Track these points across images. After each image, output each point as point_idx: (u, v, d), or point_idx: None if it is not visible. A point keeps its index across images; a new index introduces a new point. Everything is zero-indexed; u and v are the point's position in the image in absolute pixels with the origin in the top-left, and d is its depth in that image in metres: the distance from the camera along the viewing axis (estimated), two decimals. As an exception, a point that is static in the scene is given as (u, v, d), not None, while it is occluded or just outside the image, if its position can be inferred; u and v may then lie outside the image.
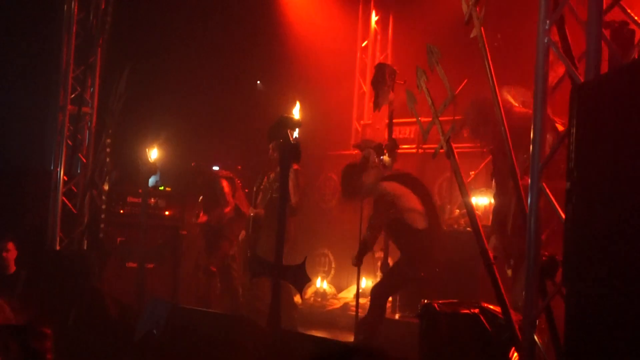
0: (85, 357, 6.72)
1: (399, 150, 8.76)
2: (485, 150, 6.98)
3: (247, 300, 9.18)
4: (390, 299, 8.88)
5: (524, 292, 4.47)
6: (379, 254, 9.07)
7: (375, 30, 12.22)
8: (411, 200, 7.49)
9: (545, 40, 4.36)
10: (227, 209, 9.26)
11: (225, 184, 9.35)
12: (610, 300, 3.38)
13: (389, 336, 7.38)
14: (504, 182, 5.82)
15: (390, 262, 8.86)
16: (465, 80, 8.91)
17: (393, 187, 7.49)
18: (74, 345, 7.05)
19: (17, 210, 9.84)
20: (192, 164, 9.81)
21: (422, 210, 7.45)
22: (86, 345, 7.03)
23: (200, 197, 9.59)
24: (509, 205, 5.89)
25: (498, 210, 6.21)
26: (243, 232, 9.31)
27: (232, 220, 9.33)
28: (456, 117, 8.82)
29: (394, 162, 8.61)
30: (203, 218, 9.37)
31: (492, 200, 7.27)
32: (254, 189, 9.10)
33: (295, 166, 8.03)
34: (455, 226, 8.39)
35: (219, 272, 9.37)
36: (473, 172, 9.15)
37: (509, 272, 5.71)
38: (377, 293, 7.43)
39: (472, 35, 4.71)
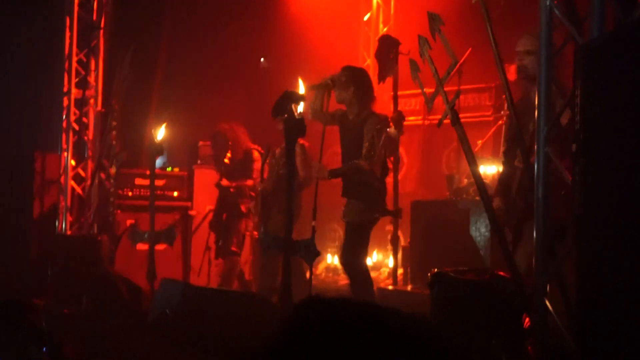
0: (99, 339, 6.74)
1: (405, 122, 8.73)
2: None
3: (260, 277, 9.19)
4: (401, 270, 8.89)
5: (527, 256, 4.46)
6: (389, 227, 9.06)
7: (378, 3, 12.16)
8: None
9: (548, 3, 4.32)
10: (250, 183, 9.18)
11: (258, 158, 9.27)
12: (621, 262, 3.36)
13: (402, 308, 7.32)
14: (513, 148, 5.78)
15: (401, 235, 8.85)
16: (470, 49, 8.87)
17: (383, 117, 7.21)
18: (88, 329, 7.09)
19: (26, 195, 9.87)
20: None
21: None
22: (100, 328, 7.06)
23: (228, 157, 9.39)
24: (515, 172, 5.85)
25: (506, 176, 6.18)
26: (252, 204, 9.27)
27: (246, 197, 9.26)
28: (461, 87, 8.81)
29: (401, 134, 8.59)
30: (225, 182, 9.28)
31: (500, 169, 7.24)
32: (261, 165, 9.06)
33: (302, 141, 7.97)
34: (464, 195, 8.37)
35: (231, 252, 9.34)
36: (480, 141, 9.13)
37: (510, 236, 5.66)
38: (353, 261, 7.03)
39: (474, 1, 4.67)
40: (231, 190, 9.23)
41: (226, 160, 9.28)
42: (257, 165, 9.17)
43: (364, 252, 7.04)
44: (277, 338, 1.62)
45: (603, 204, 3.49)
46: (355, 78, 7.05)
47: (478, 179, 4.89)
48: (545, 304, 4.38)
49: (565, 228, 4.46)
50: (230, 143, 9.31)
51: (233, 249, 9.17)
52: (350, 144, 7.03)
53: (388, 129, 7.24)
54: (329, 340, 1.56)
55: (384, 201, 7.09)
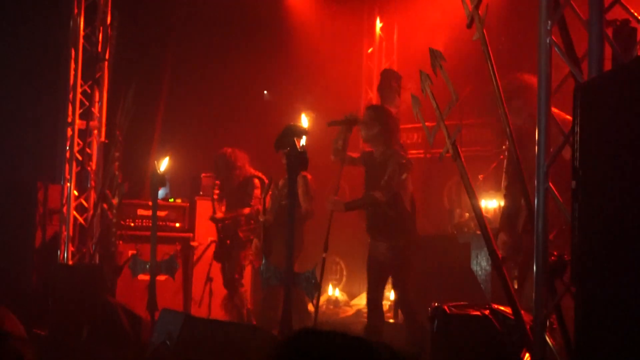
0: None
1: (407, 156, 8.77)
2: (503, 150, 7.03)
3: (261, 310, 9.18)
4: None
5: (533, 293, 4.48)
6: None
7: (381, 37, 12.25)
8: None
9: (547, 41, 4.38)
10: (247, 211, 9.18)
11: (258, 185, 9.27)
12: (619, 298, 3.38)
13: (394, 339, 7.36)
14: (515, 183, 5.84)
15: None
16: (468, 89, 8.93)
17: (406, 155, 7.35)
18: (89, 359, 7.08)
19: (29, 225, 9.89)
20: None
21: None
22: (100, 358, 7.05)
23: (216, 187, 9.38)
24: (519, 205, 5.90)
25: (508, 210, 6.23)
26: (255, 242, 9.28)
27: (248, 226, 9.25)
28: (463, 122, 8.87)
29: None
30: (220, 214, 9.28)
31: (502, 203, 7.28)
32: (263, 195, 9.08)
33: (304, 173, 8.02)
34: (466, 229, 8.40)
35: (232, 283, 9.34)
36: (481, 176, 9.15)
37: (515, 272, 5.71)
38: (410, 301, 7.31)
39: (474, 38, 4.72)
40: (226, 222, 9.24)
41: (215, 196, 9.27)
42: (257, 192, 9.18)
43: None
44: None
45: (602, 241, 3.51)
46: (380, 117, 7.20)
47: (479, 213, 4.93)
48: (545, 339, 4.39)
49: (566, 263, 4.49)
50: (231, 164, 9.32)
51: (236, 277, 9.17)
52: (374, 180, 7.16)
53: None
54: None
55: (416, 236, 7.28)
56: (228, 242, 9.26)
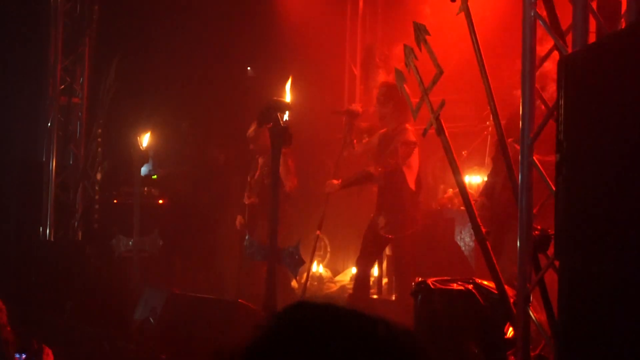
0: (82, 347, 6.72)
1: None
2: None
3: (244, 285, 9.17)
4: (386, 280, 8.92)
5: (510, 265, 4.50)
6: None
7: (364, 11, 12.16)
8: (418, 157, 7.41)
9: (532, 14, 4.35)
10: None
11: (222, 160, 9.27)
12: (603, 272, 3.38)
13: (386, 316, 7.38)
14: (498, 160, 5.85)
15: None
16: (453, 63, 8.89)
17: (416, 135, 7.37)
18: (71, 337, 7.06)
19: (11, 203, 9.82)
20: None
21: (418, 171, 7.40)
22: (83, 335, 7.03)
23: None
24: (499, 180, 5.94)
25: (489, 184, 6.27)
26: (239, 218, 9.25)
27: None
28: (447, 97, 8.81)
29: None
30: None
31: (485, 179, 7.30)
32: (248, 178, 9.05)
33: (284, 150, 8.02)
34: (449, 205, 8.40)
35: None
36: (465, 152, 9.14)
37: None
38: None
39: (458, 13, 4.69)
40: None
41: None
42: (221, 157, 9.21)
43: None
44: (260, 338, 1.62)
45: (586, 214, 3.51)
46: (393, 95, 7.24)
47: (462, 189, 4.92)
48: (528, 313, 4.40)
49: (549, 237, 4.49)
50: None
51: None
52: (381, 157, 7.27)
53: None
54: (312, 344, 1.56)
55: (418, 214, 7.34)
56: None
